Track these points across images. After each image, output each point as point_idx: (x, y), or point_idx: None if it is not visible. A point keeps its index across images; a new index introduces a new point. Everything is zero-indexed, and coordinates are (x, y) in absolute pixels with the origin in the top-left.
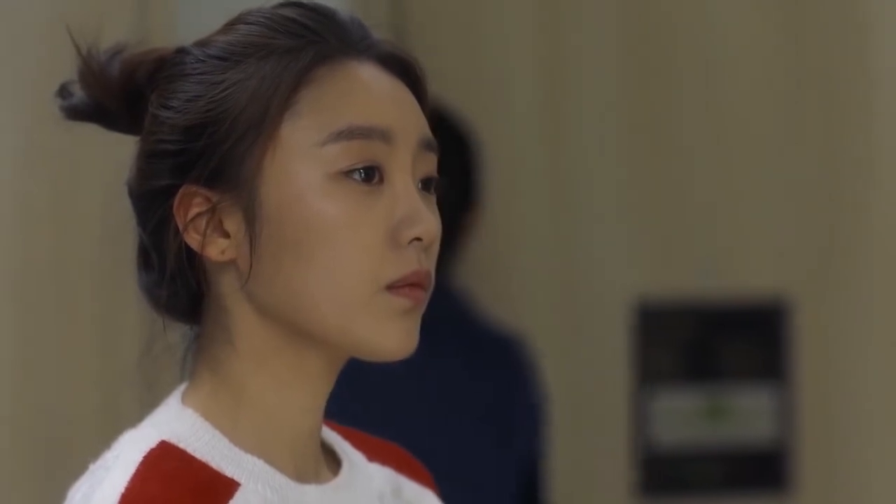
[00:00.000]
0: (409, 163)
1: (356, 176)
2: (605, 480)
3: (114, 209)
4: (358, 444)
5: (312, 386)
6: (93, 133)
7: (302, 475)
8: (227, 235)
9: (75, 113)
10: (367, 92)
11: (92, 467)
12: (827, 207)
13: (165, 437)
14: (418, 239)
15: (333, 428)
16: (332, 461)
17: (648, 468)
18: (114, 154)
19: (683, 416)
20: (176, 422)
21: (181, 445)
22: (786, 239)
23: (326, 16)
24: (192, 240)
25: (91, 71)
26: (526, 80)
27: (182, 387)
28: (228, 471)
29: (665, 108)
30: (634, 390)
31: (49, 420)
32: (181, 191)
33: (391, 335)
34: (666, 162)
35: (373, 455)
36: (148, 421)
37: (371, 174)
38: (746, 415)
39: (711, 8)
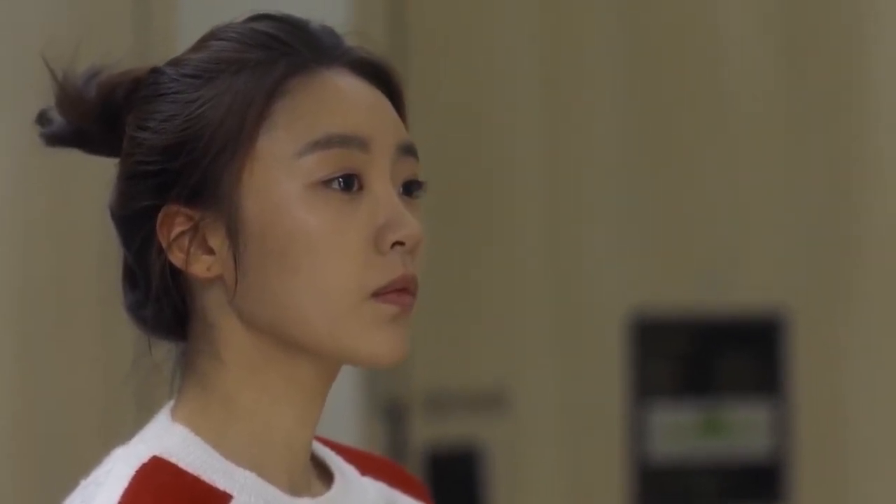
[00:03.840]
0: (387, 169)
1: (335, 185)
2: (602, 494)
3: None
4: (350, 459)
5: (305, 398)
6: None
7: (295, 489)
8: (211, 252)
9: (56, 139)
10: (342, 100)
11: (83, 483)
12: (825, 221)
13: (156, 453)
14: (401, 243)
15: (324, 442)
16: (324, 475)
17: (645, 482)
18: (114, 165)
19: (680, 430)
20: (166, 437)
21: (172, 460)
22: (783, 253)
23: (297, 27)
24: (177, 258)
25: (68, 96)
26: (526, 86)
27: (170, 403)
28: (221, 484)
29: (665, 119)
30: (630, 404)
31: (50, 431)
32: (163, 211)
33: (381, 342)
34: (664, 174)
35: (365, 469)
36: (138, 437)
37: (350, 182)
38: (743, 429)
39: (716, 18)
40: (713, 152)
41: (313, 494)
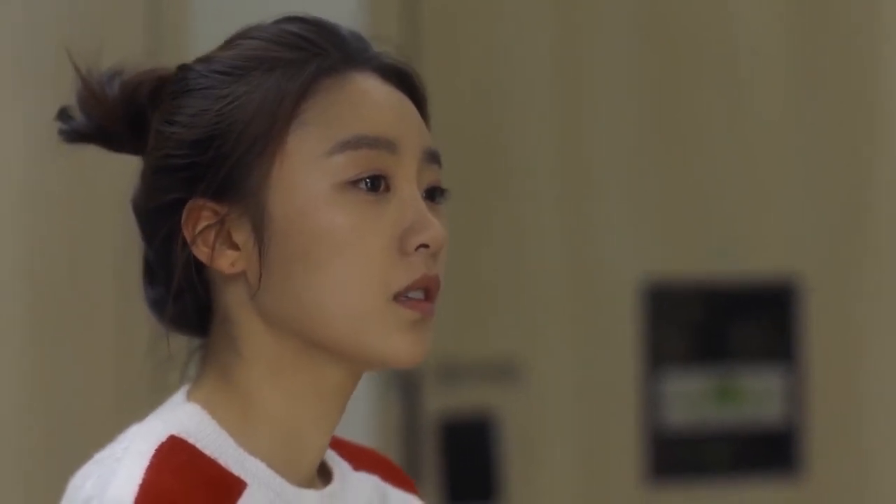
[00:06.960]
0: (414, 172)
1: (362, 185)
2: (616, 463)
3: (131, 210)
4: (345, 454)
5: (324, 403)
6: None
7: (301, 483)
8: (236, 247)
9: (77, 136)
10: (372, 102)
11: (97, 456)
12: (838, 190)
13: (174, 432)
14: (425, 246)
15: None
16: (323, 470)
17: (659, 450)
18: (130, 160)
19: (693, 398)
20: (184, 416)
21: (190, 440)
22: (797, 221)
23: (328, 29)
24: (201, 252)
25: (91, 93)
26: (539, 60)
27: (187, 386)
28: (234, 470)
29: (678, 90)
30: (644, 372)
31: (64, 421)
32: (189, 204)
33: (401, 344)
34: (677, 143)
35: (358, 464)
36: (154, 415)
37: (377, 183)
38: (757, 396)
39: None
40: (727, 120)
41: (316, 488)
